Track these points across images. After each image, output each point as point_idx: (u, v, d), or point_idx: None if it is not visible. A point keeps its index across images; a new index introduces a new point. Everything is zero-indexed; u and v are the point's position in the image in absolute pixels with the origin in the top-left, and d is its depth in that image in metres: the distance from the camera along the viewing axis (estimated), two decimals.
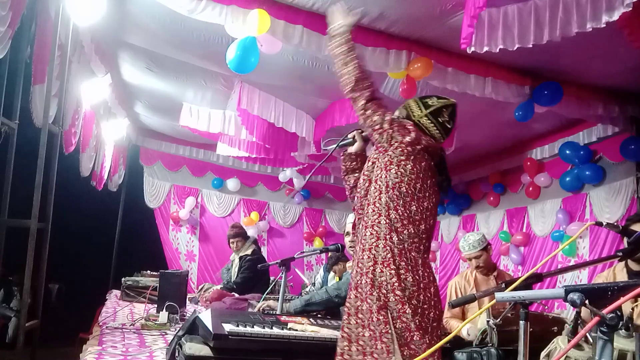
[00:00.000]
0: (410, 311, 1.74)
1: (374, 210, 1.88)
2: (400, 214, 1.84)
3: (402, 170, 1.86)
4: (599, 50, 3.56)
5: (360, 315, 1.82)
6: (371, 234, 1.86)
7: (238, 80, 4.69)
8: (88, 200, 6.00)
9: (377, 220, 1.86)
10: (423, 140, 1.93)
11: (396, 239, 1.82)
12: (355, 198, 2.05)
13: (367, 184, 1.96)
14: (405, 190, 1.85)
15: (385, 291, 1.78)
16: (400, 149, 1.89)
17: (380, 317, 1.75)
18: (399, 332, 1.73)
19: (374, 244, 1.85)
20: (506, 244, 6.14)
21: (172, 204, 7.61)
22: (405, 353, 1.71)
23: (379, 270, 1.81)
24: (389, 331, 1.73)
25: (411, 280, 1.79)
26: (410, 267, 1.80)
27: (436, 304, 1.84)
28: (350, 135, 2.22)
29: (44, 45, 3.28)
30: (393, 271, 1.79)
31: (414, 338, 1.73)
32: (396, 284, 1.77)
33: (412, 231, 1.84)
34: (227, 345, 2.04)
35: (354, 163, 2.17)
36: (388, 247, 1.82)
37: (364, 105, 1.96)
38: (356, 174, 2.13)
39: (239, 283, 5.01)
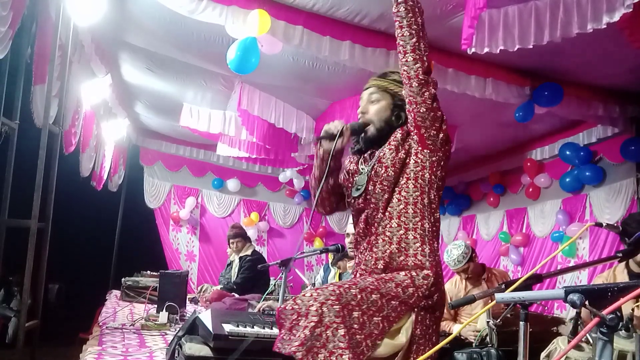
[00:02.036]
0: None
1: (399, 200, 1.78)
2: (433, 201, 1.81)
3: (438, 161, 1.80)
4: (600, 51, 3.56)
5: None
6: (398, 225, 1.76)
7: (238, 80, 4.70)
8: (88, 200, 6.00)
9: (404, 210, 1.77)
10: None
11: (427, 226, 1.76)
12: (354, 193, 1.89)
13: (390, 175, 1.80)
14: (434, 178, 1.79)
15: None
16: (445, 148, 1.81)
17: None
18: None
19: (403, 235, 1.75)
20: (506, 244, 6.14)
21: (172, 204, 7.61)
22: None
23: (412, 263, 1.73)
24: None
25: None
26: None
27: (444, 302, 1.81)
28: (337, 129, 1.88)
29: (44, 46, 3.29)
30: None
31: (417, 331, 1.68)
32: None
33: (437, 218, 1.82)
34: (227, 346, 2.04)
35: (336, 162, 1.92)
36: (418, 236, 1.75)
37: (433, 96, 1.76)
38: (335, 174, 1.94)
39: (239, 283, 5.02)
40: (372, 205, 1.84)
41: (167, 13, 3.41)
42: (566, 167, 5.28)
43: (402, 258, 1.74)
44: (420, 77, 1.78)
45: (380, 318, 1.60)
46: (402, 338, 1.65)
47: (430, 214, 1.78)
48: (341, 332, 1.50)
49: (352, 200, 1.93)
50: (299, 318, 1.54)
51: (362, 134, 1.91)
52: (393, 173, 1.79)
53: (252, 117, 5.01)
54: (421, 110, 1.74)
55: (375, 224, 1.83)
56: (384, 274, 1.73)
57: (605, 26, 2.69)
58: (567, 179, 5.20)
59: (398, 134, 1.85)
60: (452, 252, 3.61)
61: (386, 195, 1.80)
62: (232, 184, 7.83)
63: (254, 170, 7.75)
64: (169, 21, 3.67)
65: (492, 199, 6.54)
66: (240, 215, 7.94)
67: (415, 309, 1.67)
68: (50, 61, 3.21)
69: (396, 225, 1.77)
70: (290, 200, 8.17)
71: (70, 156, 4.61)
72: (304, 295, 1.60)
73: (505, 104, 4.20)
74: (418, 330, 1.66)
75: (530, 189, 5.81)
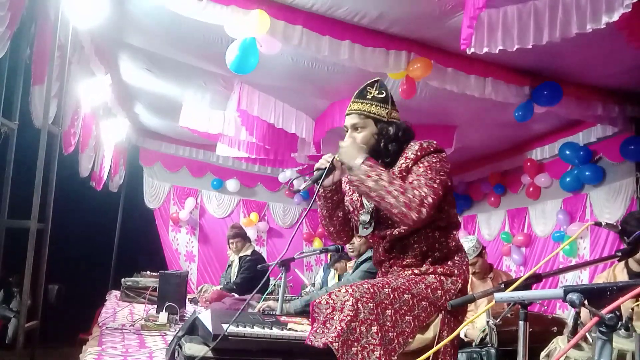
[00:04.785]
0: None
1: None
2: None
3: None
4: (599, 50, 3.56)
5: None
6: (419, 248, 1.85)
7: (238, 81, 4.70)
8: (88, 200, 6.00)
9: (423, 236, 1.85)
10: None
11: (450, 242, 1.90)
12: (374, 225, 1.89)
13: None
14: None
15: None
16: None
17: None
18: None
19: (428, 253, 1.85)
20: (508, 244, 6.14)
21: (171, 204, 7.61)
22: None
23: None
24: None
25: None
26: None
27: None
28: (326, 163, 1.86)
29: (43, 46, 3.28)
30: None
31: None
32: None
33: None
34: (226, 346, 2.04)
35: (338, 194, 1.94)
36: (445, 252, 1.87)
37: (421, 213, 1.68)
38: (341, 205, 1.96)
39: (238, 283, 5.02)
40: (386, 238, 1.89)
41: (166, 13, 3.40)
42: (566, 167, 5.28)
43: (427, 268, 1.83)
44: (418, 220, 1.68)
45: (411, 317, 1.68)
46: (430, 333, 1.72)
47: (449, 231, 1.87)
48: (374, 329, 1.57)
49: (364, 234, 1.96)
50: (334, 312, 1.60)
51: None
52: None
53: (252, 117, 5.00)
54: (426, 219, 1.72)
55: (395, 251, 1.89)
56: (414, 275, 1.81)
57: (604, 26, 2.69)
58: (567, 179, 5.20)
59: (401, 160, 1.85)
60: (463, 244, 3.64)
61: (396, 227, 1.84)
62: (232, 184, 7.82)
63: (253, 170, 7.75)
64: (169, 21, 3.67)
65: (492, 199, 6.55)
66: (239, 216, 7.94)
67: (443, 311, 1.74)
68: (49, 61, 3.20)
69: (417, 248, 1.84)
70: (290, 200, 8.17)
71: (70, 156, 4.61)
72: (339, 291, 1.66)
73: (504, 104, 4.21)
74: (445, 332, 1.73)
75: (531, 189, 5.81)
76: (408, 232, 1.82)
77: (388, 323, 1.61)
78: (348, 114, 1.94)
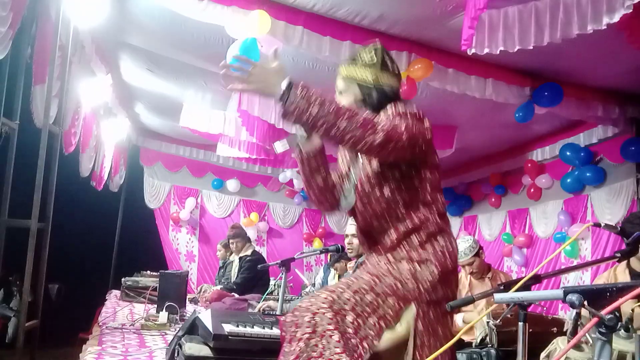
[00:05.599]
0: None
1: (391, 200, 1.76)
2: None
3: None
4: (599, 51, 3.56)
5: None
6: (392, 224, 1.75)
7: None
8: (88, 200, 6.01)
9: (401, 210, 1.75)
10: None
11: (430, 225, 1.76)
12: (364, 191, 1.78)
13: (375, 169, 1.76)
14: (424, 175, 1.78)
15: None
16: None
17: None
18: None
19: (404, 233, 1.74)
20: (509, 245, 6.13)
21: (172, 204, 7.62)
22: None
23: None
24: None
25: None
26: None
27: None
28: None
29: (44, 46, 3.29)
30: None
31: None
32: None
33: None
34: (227, 346, 2.04)
35: (317, 160, 1.79)
36: (424, 235, 1.75)
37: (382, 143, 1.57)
38: (321, 171, 1.81)
39: (238, 284, 5.02)
40: (368, 211, 1.79)
41: (167, 13, 3.41)
42: (567, 168, 5.28)
43: (403, 254, 1.71)
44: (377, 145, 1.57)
45: (376, 318, 1.59)
46: (400, 329, 1.62)
47: (430, 210, 1.73)
48: (335, 337, 1.49)
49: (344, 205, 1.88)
50: (296, 330, 1.54)
51: None
52: (378, 168, 1.73)
53: (252, 117, 5.00)
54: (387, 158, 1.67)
55: (371, 232, 1.80)
56: (382, 268, 1.70)
57: (605, 27, 2.69)
58: (568, 180, 5.20)
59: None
60: (460, 245, 3.67)
61: (377, 195, 1.74)
62: (232, 184, 7.83)
63: (253, 170, 7.74)
64: (169, 21, 3.67)
65: (493, 200, 6.54)
66: (239, 216, 7.95)
67: (416, 302, 1.63)
68: (50, 61, 3.21)
69: (391, 229, 1.73)
70: (290, 200, 8.17)
71: (70, 156, 4.61)
72: (300, 305, 1.60)
73: (505, 105, 4.21)
74: (420, 323, 1.62)
75: (532, 190, 5.81)
76: (379, 208, 1.73)
77: (350, 330, 1.53)
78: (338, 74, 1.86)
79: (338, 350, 1.48)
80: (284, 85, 1.54)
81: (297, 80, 1.55)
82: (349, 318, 1.55)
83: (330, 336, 1.49)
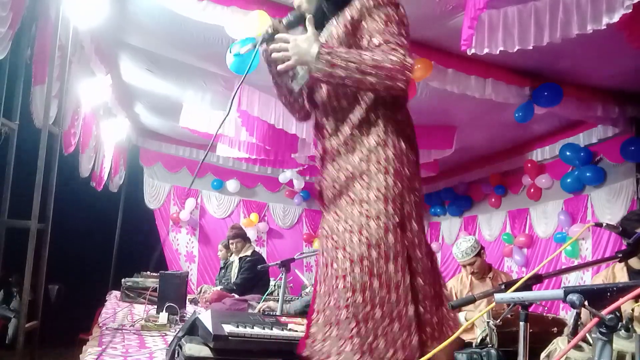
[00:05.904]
0: None
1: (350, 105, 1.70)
2: None
3: None
4: (599, 51, 3.56)
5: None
6: (346, 142, 1.68)
7: (238, 81, 4.70)
8: (88, 200, 6.01)
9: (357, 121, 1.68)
10: None
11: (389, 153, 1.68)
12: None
13: None
14: None
15: None
16: None
17: None
18: None
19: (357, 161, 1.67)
20: (509, 245, 6.13)
21: (172, 205, 7.61)
22: None
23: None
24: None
25: None
26: None
27: None
28: (265, 31, 1.70)
29: (44, 46, 3.29)
30: None
31: None
32: None
33: None
34: (227, 346, 2.04)
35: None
36: (380, 166, 1.65)
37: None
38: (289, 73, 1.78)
39: (238, 284, 5.02)
40: (322, 112, 1.73)
41: (167, 13, 3.41)
42: (567, 168, 5.28)
43: (358, 188, 1.60)
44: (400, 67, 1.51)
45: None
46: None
47: (392, 131, 1.62)
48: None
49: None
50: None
51: (304, 24, 1.65)
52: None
53: (252, 117, 5.00)
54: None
55: (326, 133, 1.72)
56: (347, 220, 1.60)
57: (604, 27, 2.69)
58: (568, 180, 5.20)
59: (348, 9, 1.63)
60: (462, 244, 3.67)
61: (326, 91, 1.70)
62: (232, 184, 7.83)
63: (253, 170, 7.74)
64: (169, 21, 3.67)
65: (493, 200, 6.54)
66: (239, 216, 7.94)
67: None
68: (50, 62, 3.20)
69: (344, 142, 1.65)
70: (290, 201, 8.17)
71: (70, 157, 4.61)
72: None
73: (505, 105, 4.21)
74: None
75: (532, 190, 5.81)
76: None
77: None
78: None
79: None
80: (314, 50, 1.52)
81: (323, 45, 1.55)
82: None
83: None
